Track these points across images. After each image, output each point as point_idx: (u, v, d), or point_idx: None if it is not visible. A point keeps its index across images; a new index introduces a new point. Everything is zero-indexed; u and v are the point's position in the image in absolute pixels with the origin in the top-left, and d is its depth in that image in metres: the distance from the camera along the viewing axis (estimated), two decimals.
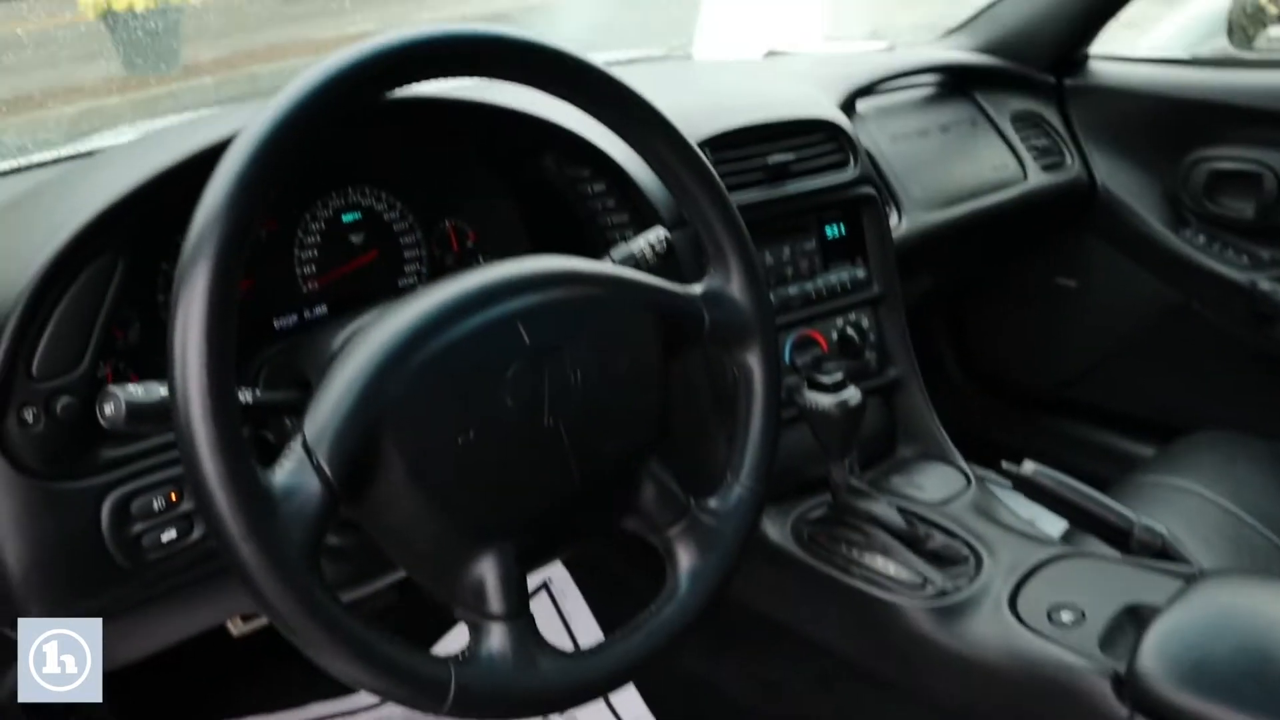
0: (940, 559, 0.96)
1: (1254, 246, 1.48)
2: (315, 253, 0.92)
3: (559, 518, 0.68)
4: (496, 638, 0.61)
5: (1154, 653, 0.76)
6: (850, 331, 1.15)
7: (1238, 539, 1.08)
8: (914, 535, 0.97)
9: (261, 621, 1.31)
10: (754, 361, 0.78)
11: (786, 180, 1.11)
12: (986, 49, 1.60)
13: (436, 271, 0.99)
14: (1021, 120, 1.55)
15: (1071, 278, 1.66)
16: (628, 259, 0.80)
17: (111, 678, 0.88)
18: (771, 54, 1.54)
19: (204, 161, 0.63)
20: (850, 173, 1.16)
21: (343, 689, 1.39)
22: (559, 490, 0.66)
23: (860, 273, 1.18)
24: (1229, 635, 0.77)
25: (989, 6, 1.63)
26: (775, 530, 1.03)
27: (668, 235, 0.82)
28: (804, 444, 0.97)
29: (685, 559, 0.71)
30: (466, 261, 1.01)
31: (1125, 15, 1.55)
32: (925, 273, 1.43)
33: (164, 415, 0.56)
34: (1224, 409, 1.47)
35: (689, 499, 0.73)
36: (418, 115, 0.90)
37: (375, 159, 0.95)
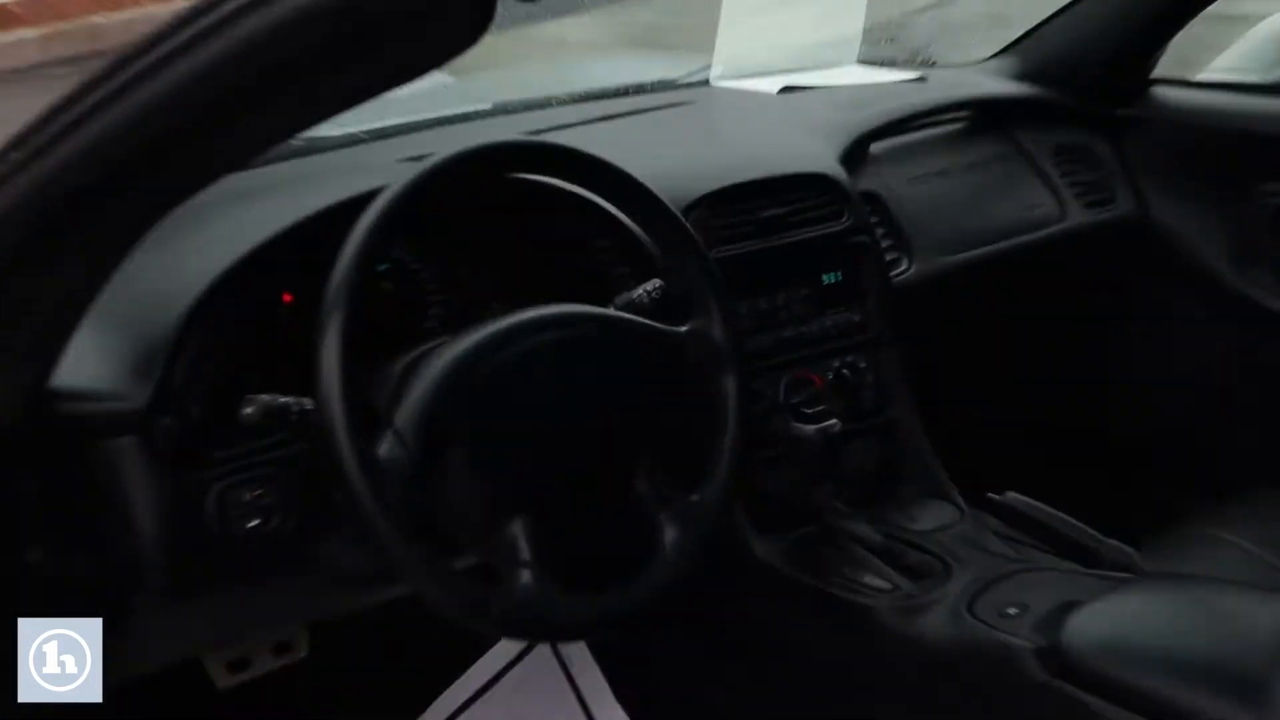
0: (914, 573, 1.06)
1: None
2: None
3: (569, 500, 0.87)
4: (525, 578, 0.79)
5: (1073, 631, 0.87)
6: (845, 372, 1.20)
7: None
8: (891, 550, 1.07)
9: (246, 676, 1.34)
10: (729, 389, 0.92)
11: (780, 232, 1.17)
12: (1030, 77, 1.51)
13: (454, 315, 1.04)
14: (1065, 154, 1.45)
15: (1121, 321, 1.55)
16: (628, 304, 0.94)
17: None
18: (786, 89, 1.47)
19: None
20: (843, 224, 1.20)
21: None
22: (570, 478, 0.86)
23: (856, 317, 1.22)
24: (1142, 618, 0.90)
25: (1034, 29, 1.53)
26: (761, 548, 1.12)
27: (661, 283, 0.95)
28: (791, 479, 1.10)
29: (670, 535, 0.87)
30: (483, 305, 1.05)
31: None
32: (944, 316, 1.36)
33: (283, 416, 0.81)
34: None
35: (673, 491, 0.89)
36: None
37: None
